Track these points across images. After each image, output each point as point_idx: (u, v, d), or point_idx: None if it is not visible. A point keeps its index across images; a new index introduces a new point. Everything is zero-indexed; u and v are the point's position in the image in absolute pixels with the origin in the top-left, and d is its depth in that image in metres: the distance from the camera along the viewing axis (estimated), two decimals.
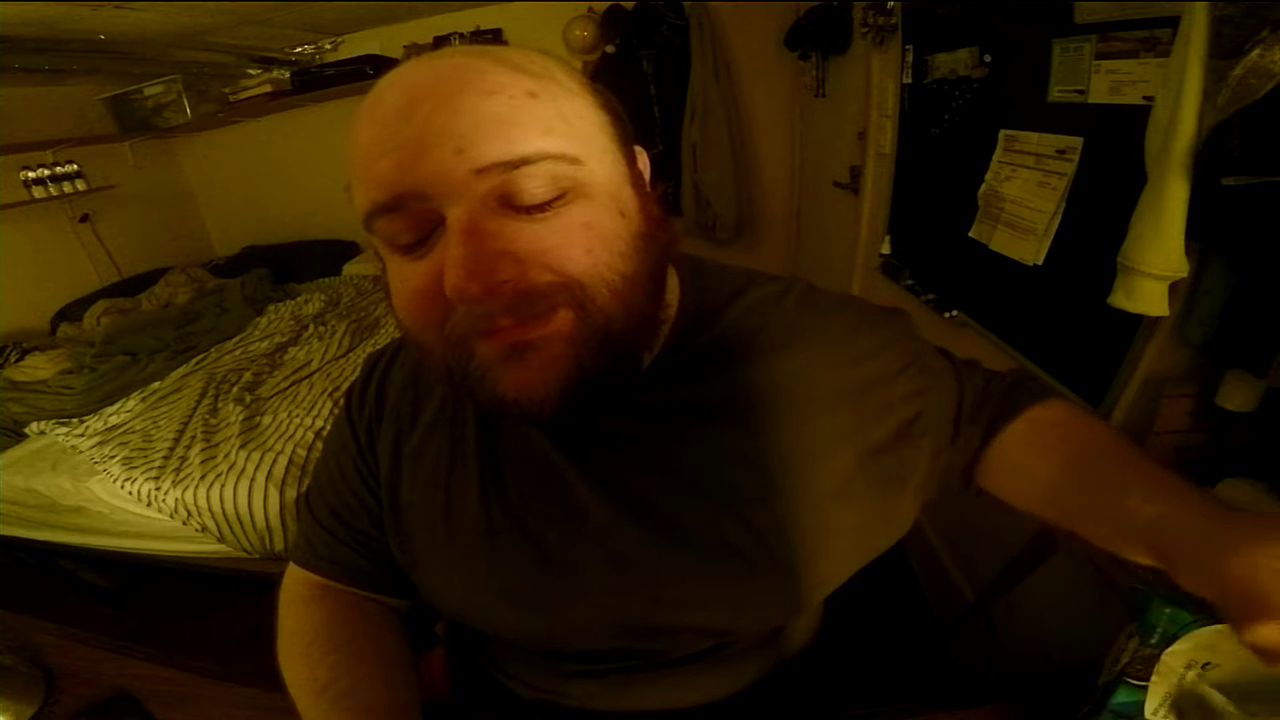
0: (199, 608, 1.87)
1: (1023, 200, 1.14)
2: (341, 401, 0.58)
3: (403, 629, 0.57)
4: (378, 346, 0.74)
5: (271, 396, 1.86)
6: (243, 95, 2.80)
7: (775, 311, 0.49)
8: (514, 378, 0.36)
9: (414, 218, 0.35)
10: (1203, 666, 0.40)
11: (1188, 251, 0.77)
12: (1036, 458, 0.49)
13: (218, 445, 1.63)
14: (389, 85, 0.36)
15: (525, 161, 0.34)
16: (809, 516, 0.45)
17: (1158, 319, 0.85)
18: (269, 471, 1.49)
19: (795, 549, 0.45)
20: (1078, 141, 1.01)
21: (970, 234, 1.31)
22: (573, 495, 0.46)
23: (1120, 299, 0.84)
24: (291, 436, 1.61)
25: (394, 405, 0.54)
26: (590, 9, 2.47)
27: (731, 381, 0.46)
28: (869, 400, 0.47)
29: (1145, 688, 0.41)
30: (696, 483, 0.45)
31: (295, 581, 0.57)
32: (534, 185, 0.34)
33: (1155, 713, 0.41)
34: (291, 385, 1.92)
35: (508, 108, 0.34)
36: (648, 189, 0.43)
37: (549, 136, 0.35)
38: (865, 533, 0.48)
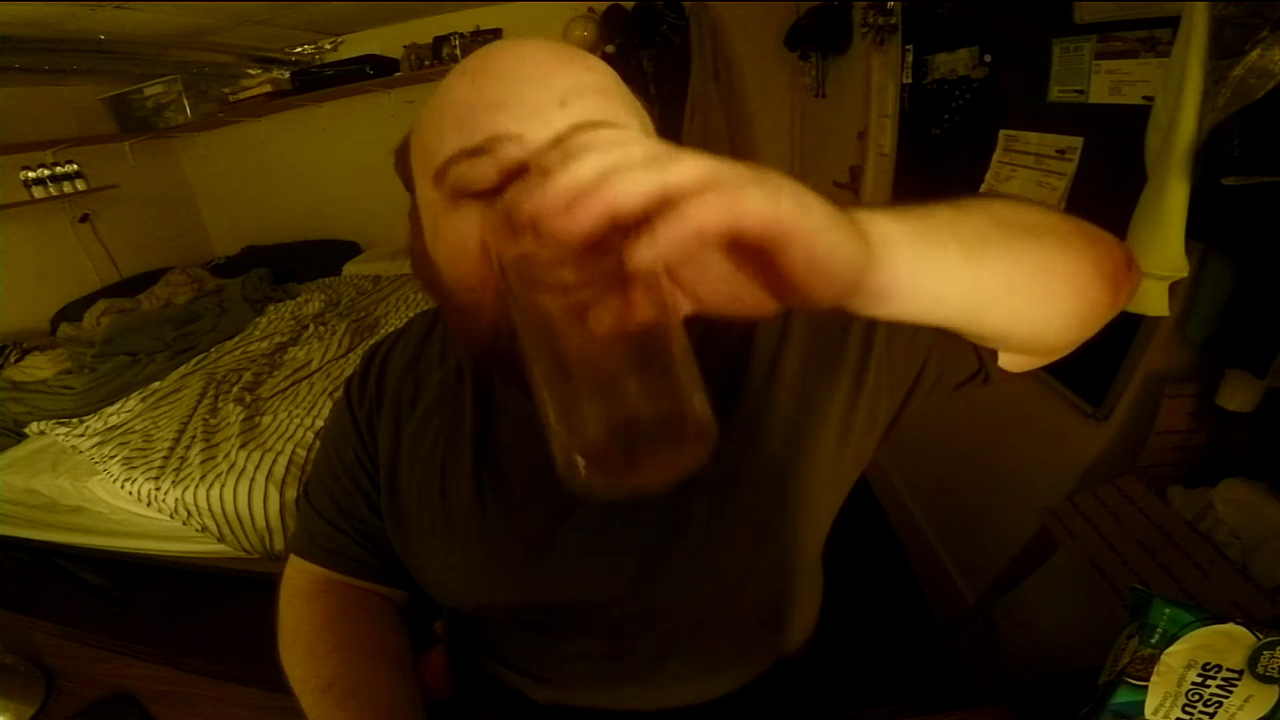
0: (199, 608, 1.86)
1: None
2: (340, 392, 0.59)
3: (403, 625, 0.58)
4: None
5: (271, 396, 1.86)
6: (243, 95, 2.80)
7: None
8: None
9: (500, 164, 0.35)
10: (1203, 666, 0.40)
11: (1188, 251, 0.77)
12: None
13: (218, 445, 1.63)
14: (493, 51, 0.38)
15: (613, 127, 0.36)
16: (809, 496, 0.47)
17: (1158, 319, 0.85)
18: (269, 471, 1.49)
19: (793, 528, 0.47)
20: (1078, 141, 1.00)
21: None
22: None
23: None
24: (291, 436, 1.61)
25: (394, 391, 0.55)
26: (590, 9, 2.47)
27: (730, 372, 0.47)
28: (831, 329, 0.47)
29: (1145, 688, 0.41)
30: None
31: (296, 574, 0.58)
32: None
33: (1155, 712, 0.41)
34: (291, 385, 1.92)
35: (607, 84, 0.38)
36: None
37: (632, 118, 0.39)
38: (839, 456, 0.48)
